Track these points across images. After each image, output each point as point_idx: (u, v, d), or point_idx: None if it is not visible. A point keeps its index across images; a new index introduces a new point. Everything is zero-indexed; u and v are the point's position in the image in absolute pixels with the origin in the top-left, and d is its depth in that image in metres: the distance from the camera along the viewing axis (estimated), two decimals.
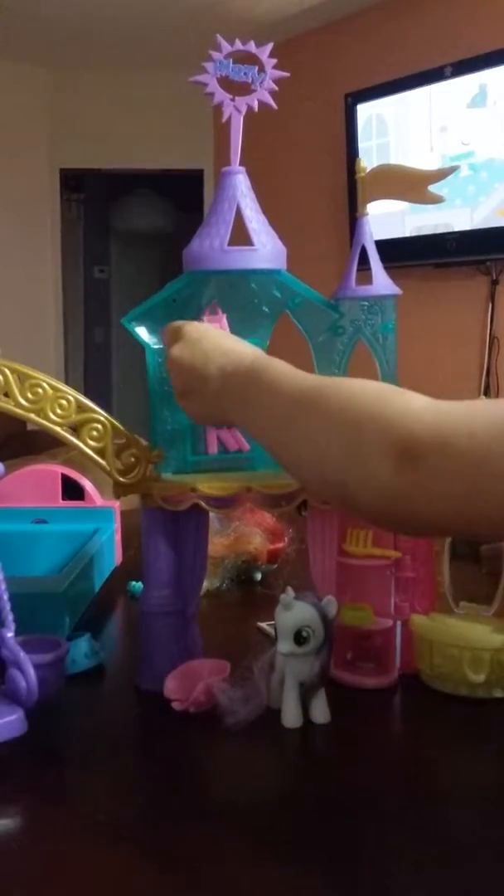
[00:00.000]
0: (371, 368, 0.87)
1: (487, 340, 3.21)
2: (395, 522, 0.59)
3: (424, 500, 0.52)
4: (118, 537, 1.21)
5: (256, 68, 0.81)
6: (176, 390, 0.76)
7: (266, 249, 0.81)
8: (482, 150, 3.04)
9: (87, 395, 0.81)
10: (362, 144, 3.46)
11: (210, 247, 0.80)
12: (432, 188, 0.83)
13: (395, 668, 0.85)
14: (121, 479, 0.82)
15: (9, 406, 0.79)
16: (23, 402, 0.79)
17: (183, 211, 5.19)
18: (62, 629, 0.88)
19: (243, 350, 0.72)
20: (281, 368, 0.67)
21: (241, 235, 0.81)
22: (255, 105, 0.81)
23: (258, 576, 1.19)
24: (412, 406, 0.54)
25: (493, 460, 0.49)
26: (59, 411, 0.80)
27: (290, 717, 0.75)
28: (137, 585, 1.09)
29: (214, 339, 0.73)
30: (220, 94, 0.81)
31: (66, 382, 0.81)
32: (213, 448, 0.85)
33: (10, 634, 0.73)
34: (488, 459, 0.49)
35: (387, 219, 3.12)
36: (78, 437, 0.81)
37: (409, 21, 3.39)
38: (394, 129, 3.36)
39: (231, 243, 0.80)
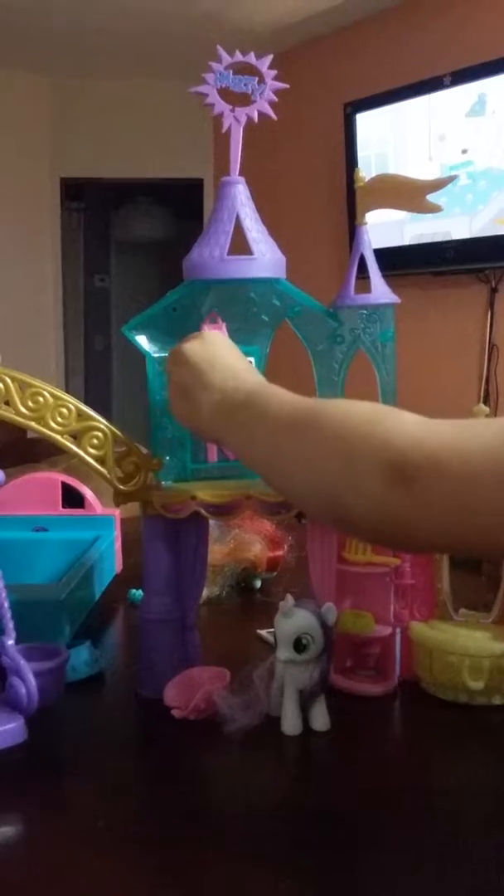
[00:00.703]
0: (370, 377, 0.87)
1: (487, 348, 3.22)
2: (391, 541, 0.60)
3: (418, 520, 0.52)
4: (118, 545, 1.21)
5: (256, 79, 0.81)
6: (173, 383, 0.75)
7: (265, 258, 0.82)
8: (481, 160, 3.05)
9: (87, 403, 0.81)
10: (361, 154, 3.47)
11: (210, 256, 0.81)
12: (430, 197, 0.83)
13: (394, 676, 0.85)
14: (121, 487, 0.83)
15: (9, 414, 0.79)
16: (23, 410, 0.79)
17: (183, 220, 5.20)
18: (62, 637, 0.88)
19: (248, 374, 0.72)
20: (276, 393, 0.67)
21: (240, 244, 0.81)
22: (255, 116, 0.82)
23: (258, 583, 1.19)
24: (405, 426, 0.55)
25: (484, 485, 0.49)
26: (59, 419, 0.80)
27: (290, 724, 0.75)
28: (137, 593, 1.09)
29: (226, 351, 0.74)
30: (221, 105, 0.81)
31: (67, 391, 0.82)
32: (213, 456, 0.86)
33: (10, 642, 0.73)
34: (480, 484, 0.49)
35: (386, 227, 3.13)
36: (78, 445, 0.81)
37: (408, 31, 3.41)
38: (393, 138, 3.38)
39: (231, 252, 0.81)
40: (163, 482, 0.85)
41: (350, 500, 0.55)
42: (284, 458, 0.62)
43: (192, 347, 0.73)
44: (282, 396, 0.66)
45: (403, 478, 0.52)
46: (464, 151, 3.09)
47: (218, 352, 0.73)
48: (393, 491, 0.52)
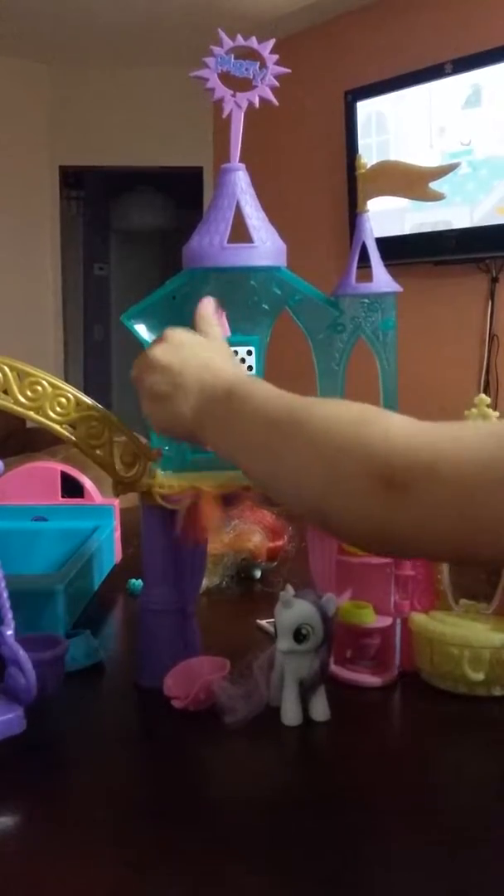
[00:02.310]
0: (371, 366, 0.86)
1: (487, 338, 3.21)
2: (380, 548, 0.57)
3: (411, 529, 0.50)
4: (117, 535, 1.21)
5: (258, 64, 0.80)
6: (146, 392, 0.70)
7: (266, 246, 0.81)
8: (482, 148, 3.04)
9: (86, 392, 0.81)
10: (362, 141, 3.45)
11: (210, 244, 0.80)
12: (433, 185, 0.83)
13: (394, 667, 0.85)
14: (120, 476, 0.82)
15: (8, 403, 0.79)
16: (22, 399, 0.79)
17: (183, 208, 5.18)
18: (61, 627, 0.88)
19: (223, 367, 0.68)
20: (259, 388, 0.63)
21: (240, 232, 0.81)
22: (256, 101, 0.81)
23: (258, 573, 1.18)
24: (393, 431, 0.52)
25: (479, 492, 0.47)
26: (58, 409, 0.80)
27: (290, 714, 0.75)
28: (137, 583, 1.09)
29: (195, 348, 0.70)
30: (221, 90, 0.80)
31: (66, 380, 0.81)
32: None
33: (9, 632, 0.73)
34: (475, 491, 0.47)
35: (387, 216, 3.11)
36: (77, 435, 0.81)
37: (410, 18, 3.39)
38: (394, 126, 3.36)
39: (231, 240, 0.80)
40: (162, 472, 0.84)
41: (335, 506, 0.53)
42: (267, 458, 0.59)
43: (159, 351, 0.69)
44: (266, 391, 0.63)
45: (396, 486, 0.50)
46: (464, 143, 3.07)
47: (187, 350, 0.69)
48: (385, 500, 0.50)
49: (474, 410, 0.85)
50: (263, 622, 0.98)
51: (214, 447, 0.67)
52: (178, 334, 0.71)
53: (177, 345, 0.70)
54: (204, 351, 0.70)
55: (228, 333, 0.83)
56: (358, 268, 0.86)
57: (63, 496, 1.20)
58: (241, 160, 0.82)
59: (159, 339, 0.72)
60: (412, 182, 0.84)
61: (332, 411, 0.58)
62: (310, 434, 0.56)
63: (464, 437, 0.51)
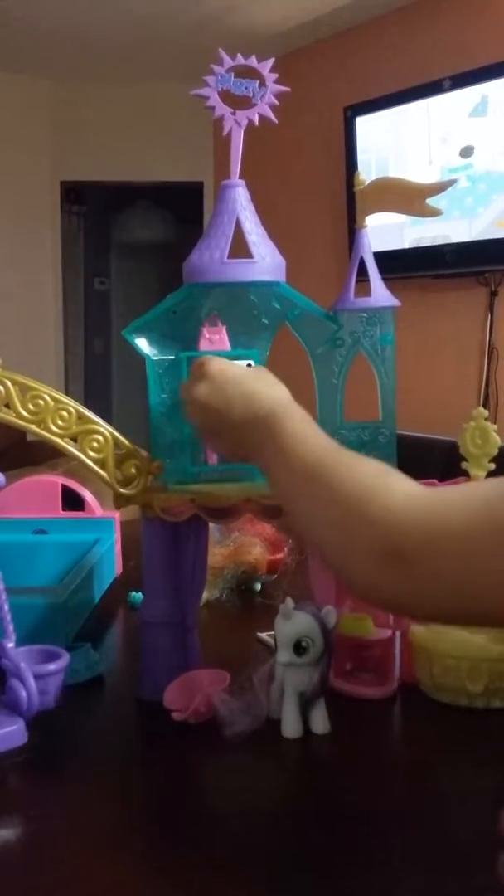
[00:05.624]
0: (370, 380, 0.87)
1: (486, 351, 3.22)
2: (389, 611, 0.64)
3: (415, 597, 0.53)
4: (118, 548, 1.21)
5: (257, 82, 0.81)
6: (202, 431, 0.75)
7: (265, 262, 0.82)
8: (481, 163, 3.06)
9: (86, 406, 0.81)
10: (361, 157, 3.47)
11: (210, 259, 0.81)
12: (430, 201, 0.83)
13: (394, 679, 0.85)
14: (121, 489, 0.83)
15: (10, 417, 0.79)
16: (24, 413, 0.79)
17: (183, 223, 5.21)
18: (62, 639, 0.88)
19: (264, 397, 0.69)
20: (295, 428, 0.65)
21: (240, 248, 0.81)
22: (256, 119, 0.82)
23: (258, 586, 1.19)
24: (395, 504, 0.54)
25: (475, 560, 0.49)
26: (60, 422, 0.80)
27: (290, 727, 0.75)
28: (137, 596, 1.10)
29: (239, 384, 0.71)
30: (221, 108, 0.81)
31: (67, 393, 0.82)
32: (213, 459, 0.86)
33: (10, 645, 0.73)
34: (471, 560, 0.49)
35: (385, 231, 3.13)
36: (79, 449, 0.81)
37: (408, 35, 3.41)
38: (393, 141, 3.38)
39: (231, 256, 0.81)
40: (163, 485, 0.85)
41: (349, 566, 0.56)
42: (294, 503, 0.63)
43: (203, 392, 0.71)
44: (298, 430, 0.65)
45: (397, 560, 0.52)
46: (463, 155, 3.09)
47: (229, 390, 0.70)
48: (388, 571, 0.52)
49: (472, 424, 0.86)
50: (263, 635, 0.98)
51: (265, 476, 0.69)
52: (219, 371, 0.72)
53: (219, 386, 0.71)
54: (246, 384, 0.71)
55: (228, 348, 0.84)
56: (357, 282, 0.87)
57: (64, 509, 1.20)
58: (241, 176, 0.83)
59: (200, 374, 0.72)
60: (410, 198, 0.85)
61: (349, 474, 0.59)
62: (329, 493, 0.58)
63: (460, 505, 0.52)
